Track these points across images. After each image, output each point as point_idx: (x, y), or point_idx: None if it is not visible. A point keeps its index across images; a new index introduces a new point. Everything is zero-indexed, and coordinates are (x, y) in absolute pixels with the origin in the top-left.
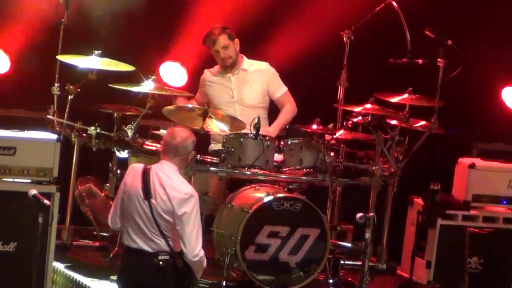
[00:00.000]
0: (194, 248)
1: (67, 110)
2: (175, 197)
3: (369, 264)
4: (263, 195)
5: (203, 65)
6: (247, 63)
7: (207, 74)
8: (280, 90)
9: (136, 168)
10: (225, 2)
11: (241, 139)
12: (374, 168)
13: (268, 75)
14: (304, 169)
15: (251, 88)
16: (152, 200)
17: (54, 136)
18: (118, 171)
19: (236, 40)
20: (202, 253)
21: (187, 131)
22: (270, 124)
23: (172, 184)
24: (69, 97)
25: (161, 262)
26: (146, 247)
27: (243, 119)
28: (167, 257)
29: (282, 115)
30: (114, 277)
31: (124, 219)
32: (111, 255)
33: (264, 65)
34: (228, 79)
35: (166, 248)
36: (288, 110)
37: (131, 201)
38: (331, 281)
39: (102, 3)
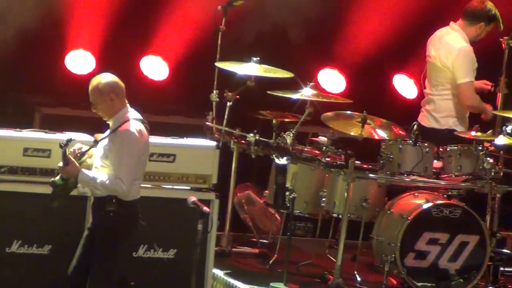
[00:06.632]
0: None
1: (225, 117)
2: None
3: None
4: (422, 202)
5: (362, 71)
6: None
7: None
8: None
9: None
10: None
11: (400, 146)
12: None
13: None
14: (463, 176)
15: None
16: None
17: (213, 143)
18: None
19: None
20: None
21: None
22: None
23: None
24: (228, 103)
25: None
26: None
27: None
28: None
29: None
30: (274, 284)
31: None
32: (270, 261)
33: None
34: None
35: None
36: None
37: None
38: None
39: (260, 10)
